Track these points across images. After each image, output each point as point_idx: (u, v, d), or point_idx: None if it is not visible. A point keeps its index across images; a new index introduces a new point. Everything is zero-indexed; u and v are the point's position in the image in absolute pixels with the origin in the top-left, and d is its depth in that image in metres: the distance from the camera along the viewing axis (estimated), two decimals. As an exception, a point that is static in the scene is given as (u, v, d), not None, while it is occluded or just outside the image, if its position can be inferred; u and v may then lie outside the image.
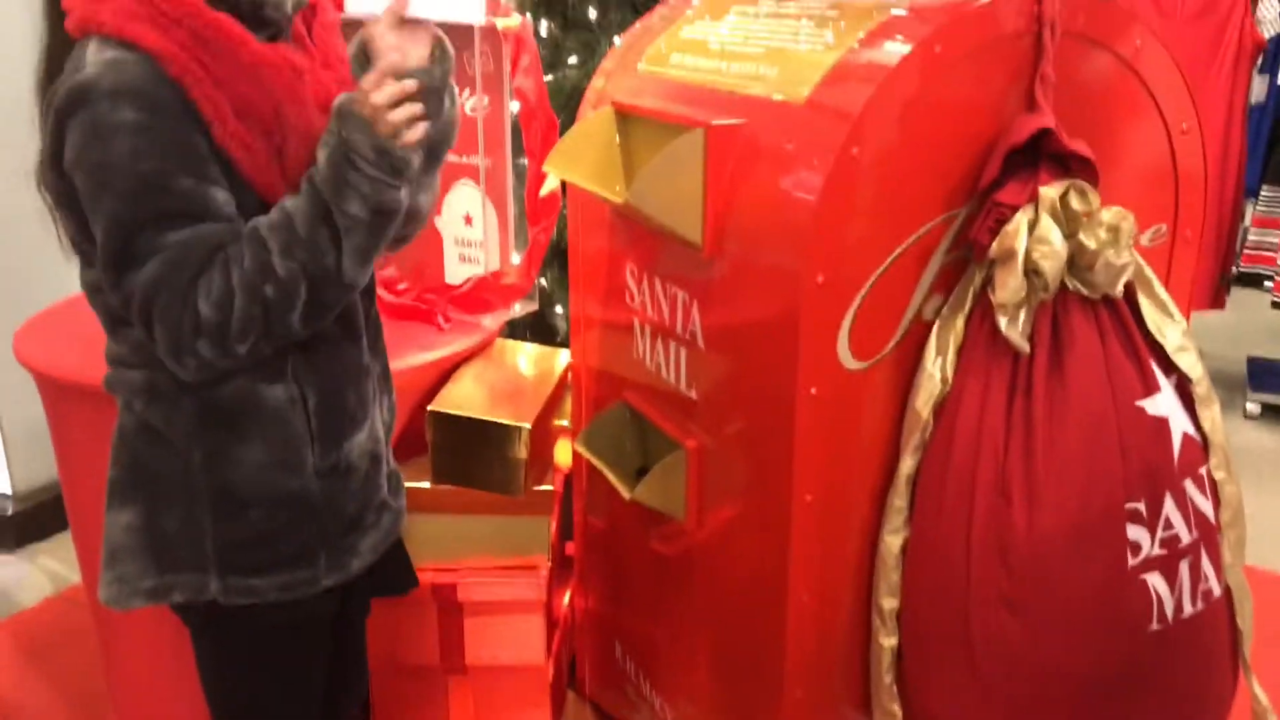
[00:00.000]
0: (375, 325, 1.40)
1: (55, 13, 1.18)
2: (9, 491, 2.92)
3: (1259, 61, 3.63)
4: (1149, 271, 1.24)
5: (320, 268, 1.15)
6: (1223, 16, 3.54)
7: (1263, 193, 3.79)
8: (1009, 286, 1.16)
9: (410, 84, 1.15)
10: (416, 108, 1.15)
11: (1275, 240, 3.79)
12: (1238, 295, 3.93)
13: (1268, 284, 3.81)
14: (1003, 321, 1.17)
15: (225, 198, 1.16)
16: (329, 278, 1.16)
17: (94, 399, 1.37)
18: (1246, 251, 3.85)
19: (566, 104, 2.27)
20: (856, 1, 1.41)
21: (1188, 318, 1.35)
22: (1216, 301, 3.74)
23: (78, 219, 1.17)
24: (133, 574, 1.28)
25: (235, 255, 1.14)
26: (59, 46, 1.18)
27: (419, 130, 1.16)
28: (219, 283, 1.13)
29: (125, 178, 1.11)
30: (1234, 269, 3.78)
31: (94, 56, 1.12)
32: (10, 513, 2.92)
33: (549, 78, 2.30)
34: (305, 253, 1.14)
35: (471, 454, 1.80)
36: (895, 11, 1.29)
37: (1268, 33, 3.60)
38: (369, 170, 1.14)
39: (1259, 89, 3.69)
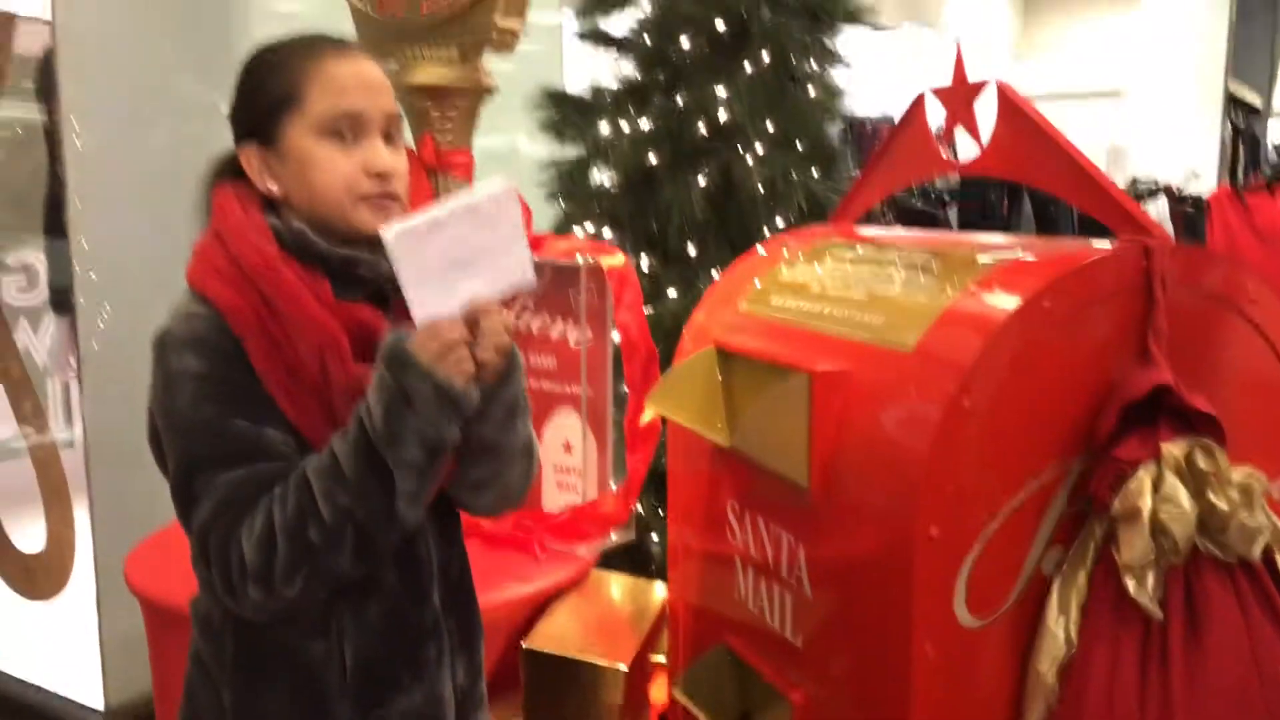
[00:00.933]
0: (457, 580, 1.33)
1: None
2: (102, 706, 2.92)
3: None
4: (1286, 530, 1.18)
5: (369, 512, 1.11)
6: (1324, 240, 3.52)
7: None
8: (1136, 547, 1.10)
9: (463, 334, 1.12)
10: (466, 355, 1.11)
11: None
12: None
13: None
14: (1131, 584, 1.11)
15: (282, 438, 1.17)
16: (378, 521, 1.12)
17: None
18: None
19: (666, 336, 2.32)
20: (954, 251, 1.44)
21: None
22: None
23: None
24: None
25: (280, 496, 1.13)
26: None
27: (471, 367, 1.12)
28: (261, 525, 1.12)
29: (187, 422, 1.15)
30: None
31: (180, 308, 1.19)
32: (100, 729, 2.91)
33: (649, 310, 2.36)
34: (351, 498, 1.11)
35: (566, 694, 1.74)
36: (996, 260, 1.30)
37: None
38: (429, 412, 1.10)
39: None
